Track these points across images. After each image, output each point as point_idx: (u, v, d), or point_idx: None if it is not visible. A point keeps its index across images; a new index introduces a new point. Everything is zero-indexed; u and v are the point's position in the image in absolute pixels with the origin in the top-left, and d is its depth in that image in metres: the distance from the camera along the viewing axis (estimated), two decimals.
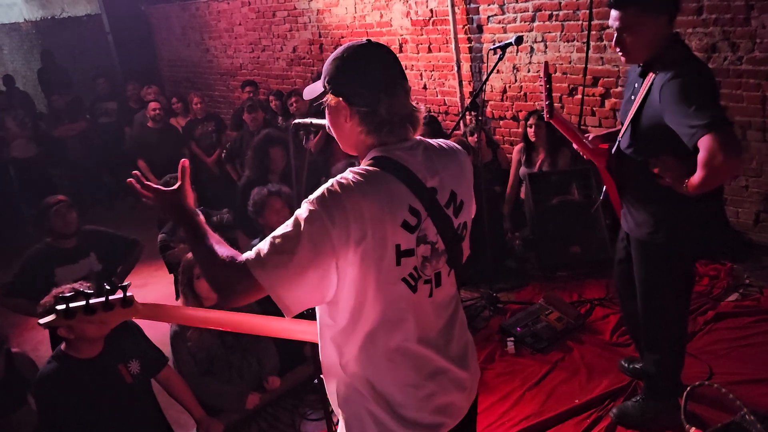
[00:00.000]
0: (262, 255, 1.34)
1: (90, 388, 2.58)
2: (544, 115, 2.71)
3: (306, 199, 1.38)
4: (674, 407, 2.80)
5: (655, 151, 2.37)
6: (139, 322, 2.92)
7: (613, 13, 2.34)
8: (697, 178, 2.19)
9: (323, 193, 1.37)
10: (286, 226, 1.36)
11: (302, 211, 1.36)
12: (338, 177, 1.39)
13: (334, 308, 1.45)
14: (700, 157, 2.13)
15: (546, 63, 2.74)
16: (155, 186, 1.54)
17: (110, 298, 1.59)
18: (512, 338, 3.64)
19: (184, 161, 1.57)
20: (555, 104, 4.75)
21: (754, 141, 4.16)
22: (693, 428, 1.38)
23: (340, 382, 1.54)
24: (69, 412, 2.52)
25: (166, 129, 6.82)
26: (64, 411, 2.52)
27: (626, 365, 3.28)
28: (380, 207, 1.36)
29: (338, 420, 1.61)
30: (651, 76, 2.35)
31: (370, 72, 1.44)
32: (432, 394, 1.52)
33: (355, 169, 1.42)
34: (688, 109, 2.15)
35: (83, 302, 1.55)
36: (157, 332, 3.66)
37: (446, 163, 1.53)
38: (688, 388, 1.55)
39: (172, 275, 4.04)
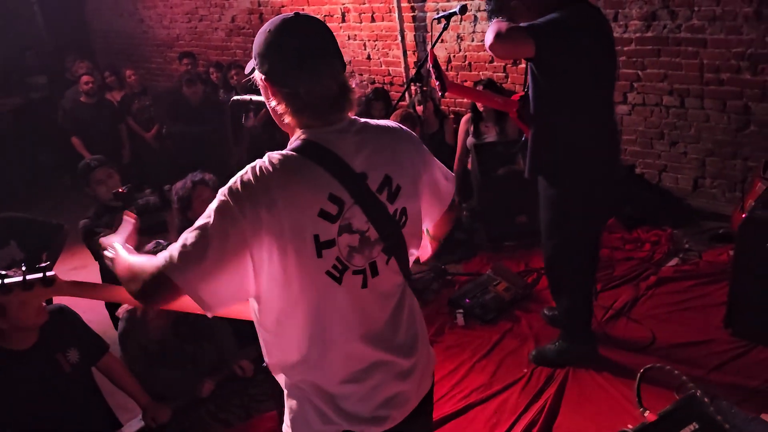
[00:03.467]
0: (174, 256, 1.29)
1: (26, 379, 2.48)
2: (438, 93, 2.94)
3: (221, 189, 1.31)
4: (588, 350, 3.06)
5: (542, 94, 2.65)
6: (79, 309, 2.81)
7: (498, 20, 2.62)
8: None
9: (235, 183, 1.30)
10: (199, 221, 1.30)
11: (214, 203, 1.30)
12: (254, 163, 1.32)
13: (263, 308, 1.38)
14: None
15: (429, 51, 3.04)
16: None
17: (29, 277, 1.53)
18: (461, 310, 3.66)
19: (129, 213, 1.69)
20: (498, 75, 4.75)
21: (691, 108, 4.25)
22: (648, 412, 1.39)
23: (280, 376, 1.48)
24: (4, 404, 2.42)
25: (101, 104, 6.51)
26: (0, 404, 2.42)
27: (547, 313, 3.49)
28: (294, 196, 1.29)
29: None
30: None
31: (292, 50, 1.33)
32: (375, 387, 1.46)
33: (273, 154, 1.34)
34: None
35: None
36: (99, 315, 3.55)
37: (381, 146, 1.43)
38: (642, 370, 1.56)
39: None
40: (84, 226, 3.66)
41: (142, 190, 4.53)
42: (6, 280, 1.51)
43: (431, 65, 2.88)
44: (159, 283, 1.29)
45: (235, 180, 1.31)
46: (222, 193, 1.30)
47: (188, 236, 1.29)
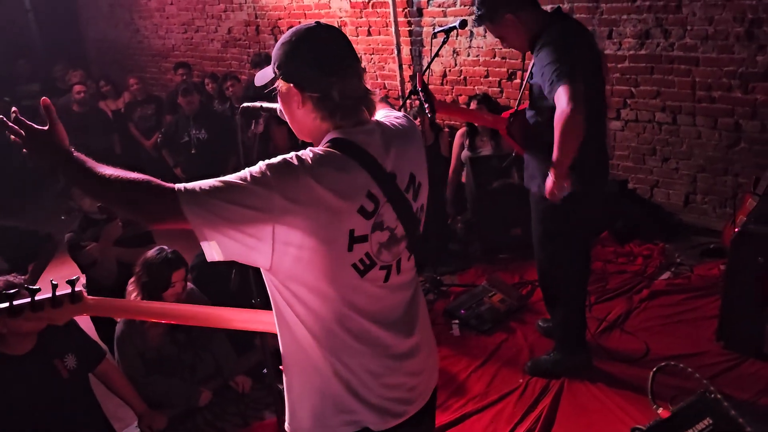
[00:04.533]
0: (198, 191, 1.27)
1: (24, 384, 2.47)
2: (428, 114, 2.98)
3: (264, 161, 1.32)
4: (583, 361, 3.10)
5: (542, 113, 2.67)
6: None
7: (487, 28, 2.73)
8: (555, 140, 2.45)
9: (281, 161, 1.32)
10: (234, 176, 1.30)
11: (255, 169, 1.30)
12: (299, 152, 1.34)
13: (289, 290, 1.40)
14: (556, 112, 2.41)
15: (418, 73, 3.10)
16: (27, 123, 1.39)
17: (58, 294, 1.49)
18: (457, 321, 3.68)
19: (45, 100, 1.43)
20: (493, 89, 4.81)
21: (683, 125, 4.32)
22: (661, 409, 1.42)
23: (302, 367, 1.49)
24: (1, 409, 2.41)
25: (93, 113, 6.52)
26: None
27: (542, 324, 3.52)
28: (336, 190, 1.31)
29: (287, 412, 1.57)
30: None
31: (320, 55, 1.38)
32: (395, 380, 1.51)
33: (315, 149, 1.37)
34: (550, 67, 2.44)
35: (29, 299, 1.45)
36: (83, 326, 3.53)
37: (405, 145, 1.49)
38: (655, 369, 1.60)
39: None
40: (69, 239, 3.63)
41: None
42: (36, 297, 1.46)
43: (420, 88, 2.94)
44: (167, 206, 1.27)
45: (281, 158, 1.32)
46: (266, 164, 1.31)
47: (219, 184, 1.28)
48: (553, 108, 2.45)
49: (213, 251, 1.31)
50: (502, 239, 4.48)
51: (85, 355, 2.75)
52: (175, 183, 1.31)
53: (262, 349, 3.01)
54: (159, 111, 6.74)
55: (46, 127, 1.38)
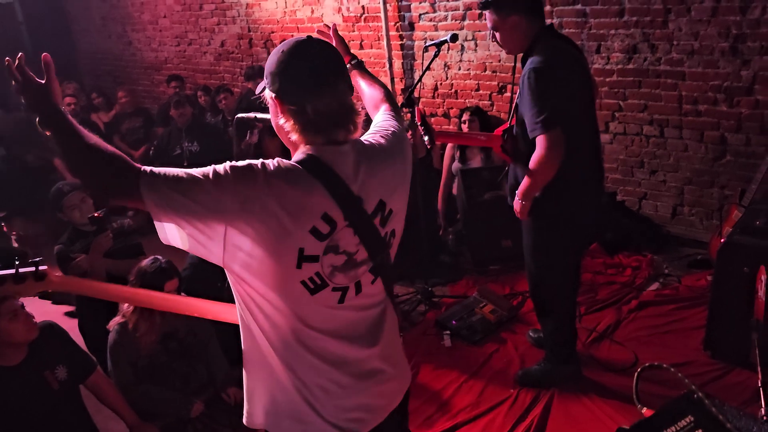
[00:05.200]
0: (159, 177, 1.29)
1: (13, 395, 2.47)
2: (427, 145, 3.12)
3: (229, 161, 1.34)
4: (573, 371, 3.14)
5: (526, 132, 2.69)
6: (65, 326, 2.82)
7: (486, 14, 2.72)
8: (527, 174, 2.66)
9: (246, 165, 1.33)
10: (198, 171, 1.31)
11: (219, 168, 1.32)
12: (265, 160, 1.35)
13: (246, 292, 1.41)
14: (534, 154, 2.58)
15: (420, 109, 3.25)
16: (29, 73, 1.44)
17: (21, 270, 1.54)
18: (448, 332, 3.70)
19: (46, 56, 1.47)
20: (483, 103, 4.87)
21: (671, 138, 4.39)
22: (645, 408, 1.45)
23: (260, 368, 1.51)
24: None
25: (84, 125, 6.47)
26: None
27: (533, 335, 3.56)
28: (289, 209, 1.31)
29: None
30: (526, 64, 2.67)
31: (302, 70, 1.38)
32: (350, 401, 1.51)
33: (283, 161, 1.37)
34: (532, 113, 2.55)
35: None
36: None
37: (381, 168, 1.47)
38: (639, 369, 1.63)
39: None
40: (58, 251, 3.61)
41: (126, 211, 4.53)
42: None
43: (419, 122, 2.99)
44: (128, 184, 1.29)
45: (245, 162, 1.33)
46: (230, 165, 1.32)
47: (180, 175, 1.30)
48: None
49: (166, 233, 1.33)
50: (492, 251, 4.52)
51: (76, 366, 2.74)
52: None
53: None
54: (147, 123, 6.75)
55: (43, 81, 1.43)
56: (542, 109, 2.53)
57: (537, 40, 2.63)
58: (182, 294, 3.09)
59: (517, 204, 2.80)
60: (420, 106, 5.68)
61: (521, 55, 2.74)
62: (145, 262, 2.94)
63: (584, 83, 2.74)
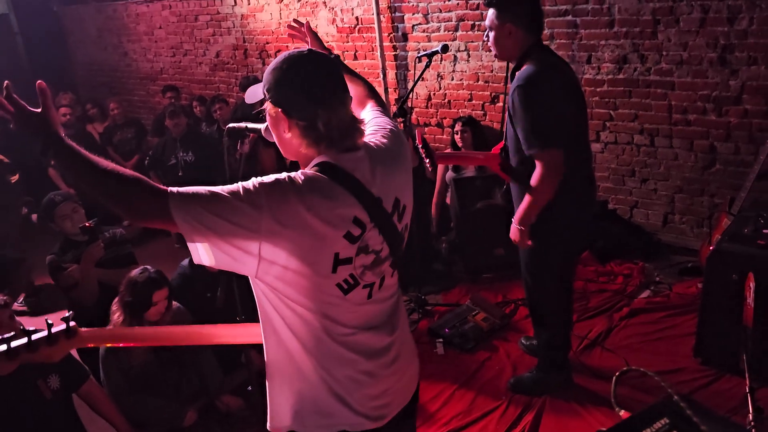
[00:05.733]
0: (189, 198, 1.31)
1: (6, 405, 2.47)
2: (428, 168, 3.09)
3: (257, 178, 1.35)
4: (564, 379, 3.16)
5: (519, 146, 2.69)
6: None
7: (488, 12, 2.68)
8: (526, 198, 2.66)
9: (274, 182, 1.34)
10: (226, 189, 1.32)
11: (248, 185, 1.33)
12: (291, 174, 1.37)
13: (277, 296, 1.43)
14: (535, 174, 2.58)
15: (421, 133, 3.22)
16: (20, 102, 1.39)
17: (53, 331, 1.51)
18: (441, 339, 3.72)
19: (40, 83, 1.42)
20: (476, 112, 4.91)
21: (661, 147, 4.43)
22: (623, 411, 1.47)
23: (287, 373, 1.53)
24: None
25: (79, 135, 6.53)
26: None
27: (525, 342, 3.58)
28: (324, 218, 1.34)
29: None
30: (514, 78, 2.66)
31: (309, 84, 1.40)
32: (378, 389, 1.56)
33: (306, 171, 1.39)
34: (525, 132, 2.55)
35: (25, 340, 1.47)
36: None
37: (392, 168, 1.52)
38: (617, 374, 1.65)
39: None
40: (50, 261, 3.62)
41: (121, 221, 4.54)
42: (33, 336, 1.48)
43: (420, 145, 2.98)
44: (157, 206, 1.30)
45: (273, 177, 1.35)
46: (259, 182, 1.33)
47: (207, 193, 1.31)
48: None
49: (199, 253, 1.34)
50: (485, 259, 4.54)
51: (69, 375, 2.75)
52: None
53: (247, 368, 3.04)
54: (139, 134, 6.77)
55: (39, 110, 1.39)
56: (536, 126, 2.53)
57: (527, 54, 2.63)
58: (174, 303, 3.11)
59: (514, 231, 2.77)
60: (414, 116, 5.74)
61: (513, 65, 2.73)
62: (134, 272, 2.96)
63: (573, 97, 2.73)
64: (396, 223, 1.51)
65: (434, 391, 3.31)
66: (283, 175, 1.36)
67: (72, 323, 1.55)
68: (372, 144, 1.54)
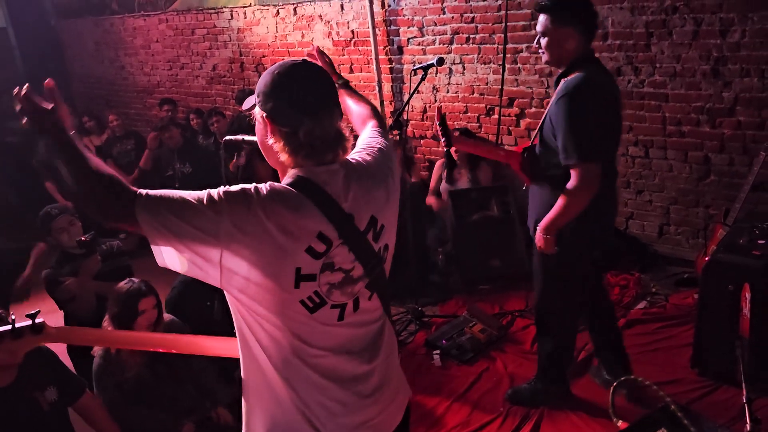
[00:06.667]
0: (156, 201, 1.31)
1: (3, 417, 2.45)
2: (443, 145, 2.96)
3: (224, 186, 1.35)
4: (562, 390, 3.16)
5: (553, 152, 2.64)
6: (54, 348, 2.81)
7: (540, 17, 2.62)
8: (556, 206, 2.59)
9: (239, 190, 1.34)
10: (193, 195, 1.33)
11: (214, 192, 1.33)
12: (257, 185, 1.36)
13: (248, 312, 1.41)
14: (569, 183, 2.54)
15: (439, 108, 3.04)
16: (35, 99, 1.42)
17: (17, 325, 1.51)
18: (438, 351, 3.72)
19: (49, 81, 1.45)
20: (472, 125, 4.93)
21: (656, 158, 4.46)
22: (620, 421, 1.47)
23: (261, 392, 1.50)
24: None
25: None
26: None
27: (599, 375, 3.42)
28: (284, 229, 1.32)
29: None
30: (560, 85, 2.61)
31: (296, 93, 1.39)
32: (351, 419, 1.51)
33: (275, 184, 1.39)
34: (566, 138, 2.50)
35: None
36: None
37: (370, 187, 1.49)
38: (615, 383, 1.65)
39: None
40: (47, 275, 3.61)
41: (116, 233, 4.53)
42: None
43: (438, 122, 2.94)
44: (124, 207, 1.30)
45: (239, 187, 1.35)
46: (224, 191, 1.33)
47: (175, 196, 1.31)
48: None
49: (164, 257, 1.33)
50: (481, 270, 4.55)
51: (66, 388, 2.73)
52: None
53: (238, 382, 3.02)
54: (138, 146, 6.78)
55: (50, 106, 1.41)
56: (578, 137, 2.49)
57: (579, 62, 2.58)
58: (165, 313, 3.10)
59: (539, 239, 2.70)
60: (410, 128, 5.76)
61: (560, 71, 2.68)
62: (120, 284, 2.96)
63: (615, 112, 2.69)
64: (371, 242, 1.47)
65: (431, 403, 3.30)
66: (251, 185, 1.36)
67: (39, 319, 1.54)
68: (352, 160, 1.52)
